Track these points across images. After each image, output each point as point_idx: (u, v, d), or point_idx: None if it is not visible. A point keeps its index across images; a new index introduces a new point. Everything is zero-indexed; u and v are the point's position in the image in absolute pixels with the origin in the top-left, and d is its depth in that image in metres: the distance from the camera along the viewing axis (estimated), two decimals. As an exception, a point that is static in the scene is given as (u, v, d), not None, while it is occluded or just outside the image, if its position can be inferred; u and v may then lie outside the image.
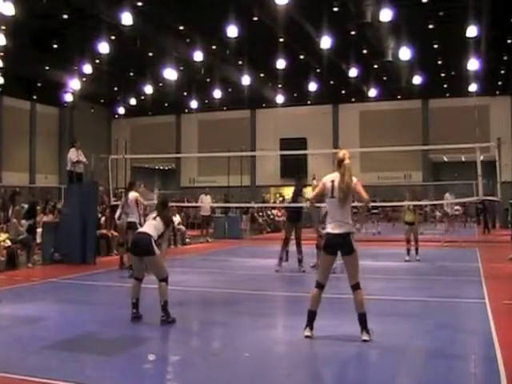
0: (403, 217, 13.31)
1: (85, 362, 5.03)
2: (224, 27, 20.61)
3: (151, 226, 6.67)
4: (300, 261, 11.21)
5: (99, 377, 4.66)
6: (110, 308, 7.61)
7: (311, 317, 5.72)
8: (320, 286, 5.73)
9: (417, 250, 12.92)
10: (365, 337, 5.53)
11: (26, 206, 15.23)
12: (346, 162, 5.71)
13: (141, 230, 6.82)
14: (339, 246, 5.69)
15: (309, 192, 12.14)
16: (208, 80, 31.37)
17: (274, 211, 25.52)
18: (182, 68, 28.25)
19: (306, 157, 34.61)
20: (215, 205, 20.94)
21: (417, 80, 29.21)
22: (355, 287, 5.65)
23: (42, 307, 7.56)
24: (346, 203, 5.70)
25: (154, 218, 6.74)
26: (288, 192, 21.34)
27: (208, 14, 20.99)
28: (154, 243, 6.48)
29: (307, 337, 5.66)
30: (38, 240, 13.06)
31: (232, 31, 20.57)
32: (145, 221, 10.36)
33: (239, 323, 6.61)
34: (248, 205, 23.71)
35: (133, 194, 10.76)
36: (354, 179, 5.75)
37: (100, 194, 14.93)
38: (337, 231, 5.68)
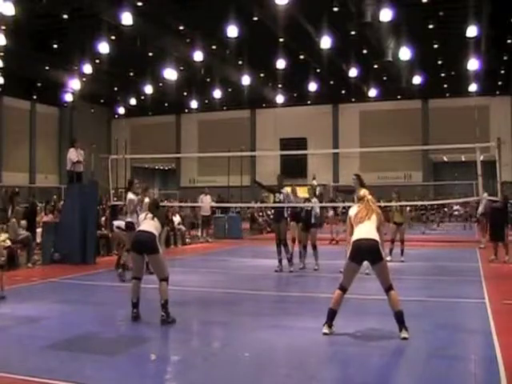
0: (392, 217, 13.35)
1: (85, 362, 5.03)
2: (224, 27, 20.63)
3: (151, 226, 6.69)
4: (289, 260, 11.20)
5: (99, 377, 4.66)
6: (110, 308, 7.61)
7: (331, 315, 5.79)
8: (343, 289, 5.83)
9: (402, 251, 12.83)
10: (404, 334, 5.57)
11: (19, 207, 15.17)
12: (367, 197, 6.11)
13: (142, 228, 6.76)
14: (367, 253, 5.76)
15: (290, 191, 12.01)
16: (208, 80, 31.39)
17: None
18: (182, 68, 28.27)
19: (306, 157, 34.65)
20: (215, 205, 20.93)
21: (417, 80, 29.23)
22: (388, 289, 5.75)
23: (42, 307, 7.56)
24: (371, 221, 5.87)
25: (152, 219, 6.78)
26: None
27: (208, 14, 21.01)
28: (157, 241, 6.58)
29: (325, 334, 5.73)
30: (38, 240, 13.05)
31: (232, 31, 20.59)
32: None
33: (239, 323, 6.61)
34: (248, 205, 23.72)
35: (130, 195, 10.59)
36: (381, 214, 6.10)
37: None
38: (365, 236, 5.77)
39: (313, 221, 11.55)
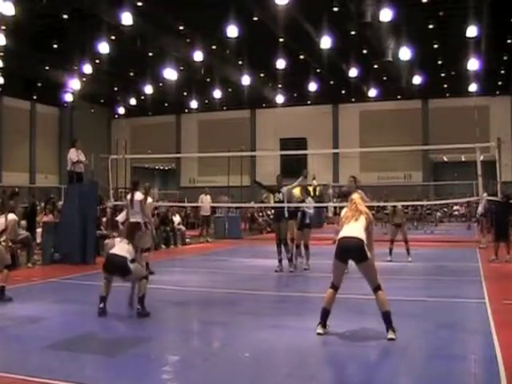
0: (391, 219, 13.41)
1: (85, 362, 5.03)
2: (224, 27, 20.64)
3: (124, 250, 6.94)
4: (289, 260, 11.21)
5: (99, 377, 4.66)
6: (110, 308, 7.60)
7: (325, 315, 5.78)
8: (334, 288, 5.82)
9: (408, 250, 12.77)
10: (390, 335, 5.54)
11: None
12: (356, 200, 6.11)
13: (115, 252, 6.96)
14: (350, 251, 5.74)
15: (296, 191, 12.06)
16: (208, 80, 31.40)
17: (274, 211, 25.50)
18: (182, 68, 28.28)
19: (306, 157, 34.67)
20: (215, 204, 20.93)
21: (417, 80, 29.25)
22: (376, 289, 5.72)
23: (42, 307, 7.56)
24: (358, 221, 5.86)
25: (128, 244, 7.03)
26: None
27: (208, 14, 21.00)
28: (128, 263, 6.81)
29: (319, 334, 5.73)
30: (38, 240, 13.04)
31: (232, 31, 20.60)
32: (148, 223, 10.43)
33: (239, 323, 6.61)
34: (248, 205, 23.73)
35: (140, 195, 10.57)
36: (370, 215, 6.05)
37: None
38: (349, 235, 5.77)
39: (307, 221, 11.53)
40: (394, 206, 13.29)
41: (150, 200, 10.92)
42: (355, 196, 6.22)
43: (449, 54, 26.89)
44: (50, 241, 12.57)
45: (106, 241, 11.78)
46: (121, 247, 7.00)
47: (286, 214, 11.26)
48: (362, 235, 5.76)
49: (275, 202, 11.71)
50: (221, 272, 11.65)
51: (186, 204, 24.48)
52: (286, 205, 11.30)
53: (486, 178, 12.16)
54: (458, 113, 34.67)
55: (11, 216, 8.27)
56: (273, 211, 14.31)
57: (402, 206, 14.42)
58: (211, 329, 6.58)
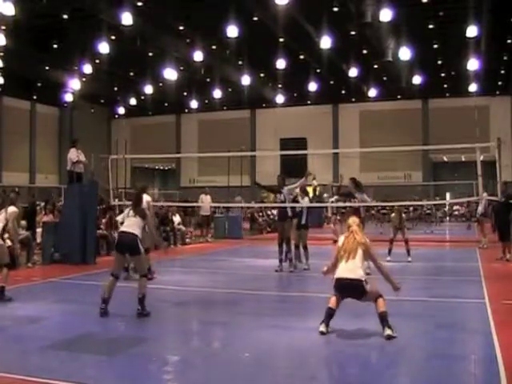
0: (394, 221, 13.43)
1: (85, 362, 5.03)
2: (224, 27, 20.64)
3: (134, 225, 6.97)
4: (290, 260, 11.21)
5: (99, 377, 4.66)
6: (110, 308, 7.60)
7: (329, 314, 5.80)
8: (338, 296, 5.89)
9: (408, 251, 12.68)
10: (388, 332, 5.56)
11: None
12: (353, 227, 6.07)
13: (125, 229, 7.00)
14: (350, 293, 5.84)
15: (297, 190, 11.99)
16: (208, 80, 31.40)
17: (274, 211, 25.51)
18: (182, 68, 28.28)
19: (305, 157, 34.68)
20: (215, 204, 20.91)
21: (417, 80, 29.26)
22: (377, 298, 5.77)
23: (42, 307, 7.56)
24: (356, 258, 5.87)
25: (134, 216, 7.08)
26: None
27: (208, 14, 21.01)
28: (139, 243, 6.86)
29: (322, 333, 5.74)
30: (38, 240, 13.04)
31: (232, 31, 20.60)
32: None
33: (239, 323, 6.61)
34: (248, 205, 23.73)
35: (146, 197, 10.57)
36: (367, 241, 6.03)
37: None
38: (348, 276, 5.80)
39: (303, 222, 11.51)
40: (400, 213, 13.25)
41: (146, 199, 10.84)
42: (352, 221, 6.19)
43: (449, 54, 26.89)
44: (50, 241, 12.56)
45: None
46: (128, 222, 7.05)
47: (290, 214, 11.24)
48: (360, 273, 5.80)
49: (276, 202, 11.68)
50: (221, 272, 11.65)
51: (185, 204, 24.45)
52: (287, 205, 11.28)
53: (486, 178, 12.14)
54: (458, 113, 34.68)
55: (12, 208, 8.30)
56: (273, 211, 14.30)
57: (402, 205, 14.42)
58: (211, 329, 6.58)
